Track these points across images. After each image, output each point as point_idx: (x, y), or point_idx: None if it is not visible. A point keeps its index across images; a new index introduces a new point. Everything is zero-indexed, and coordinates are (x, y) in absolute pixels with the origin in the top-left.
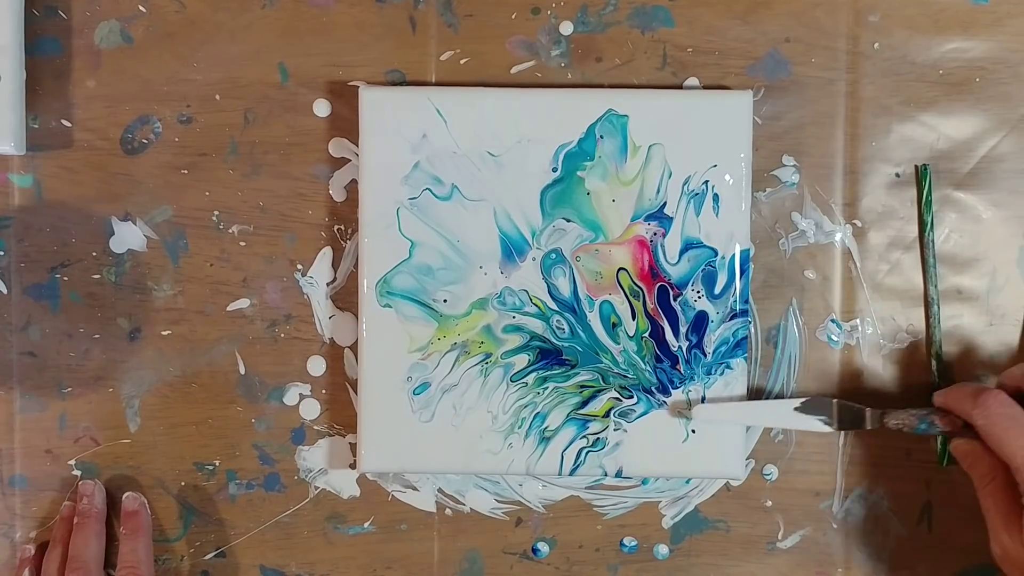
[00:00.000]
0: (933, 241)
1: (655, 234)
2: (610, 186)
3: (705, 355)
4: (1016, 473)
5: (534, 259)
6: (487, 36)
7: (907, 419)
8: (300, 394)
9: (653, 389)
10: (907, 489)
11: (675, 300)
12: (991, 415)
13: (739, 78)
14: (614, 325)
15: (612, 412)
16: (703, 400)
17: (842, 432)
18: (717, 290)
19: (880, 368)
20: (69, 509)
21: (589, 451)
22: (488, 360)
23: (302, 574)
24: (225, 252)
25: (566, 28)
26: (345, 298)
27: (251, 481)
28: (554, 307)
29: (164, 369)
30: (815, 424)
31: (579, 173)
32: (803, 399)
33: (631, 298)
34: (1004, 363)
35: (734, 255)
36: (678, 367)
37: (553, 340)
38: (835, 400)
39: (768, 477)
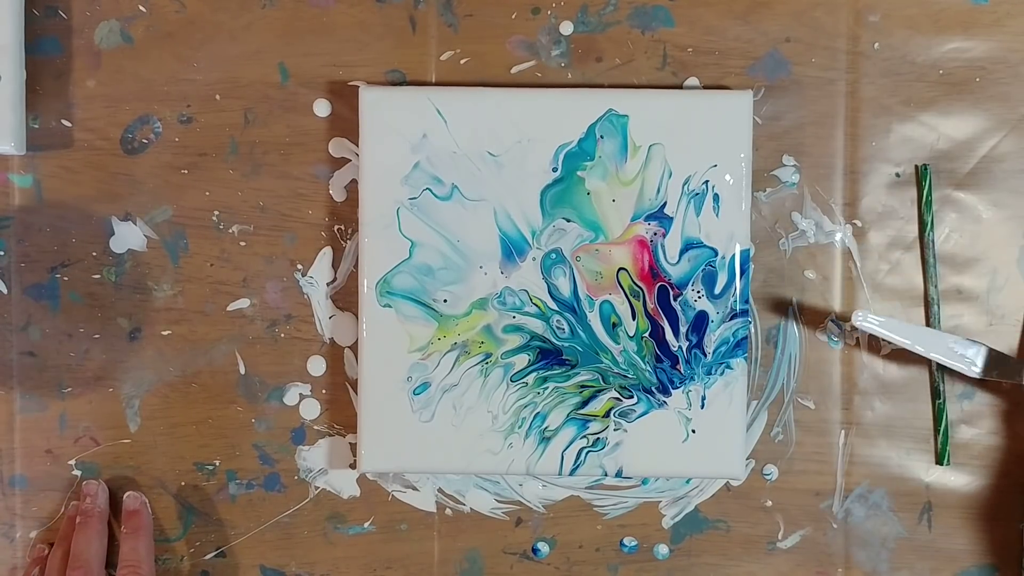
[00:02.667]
0: (933, 241)
1: (655, 234)
2: (610, 186)
3: (705, 355)
4: None
5: (534, 259)
6: (487, 36)
7: None
8: (300, 394)
9: (653, 389)
10: (907, 489)
11: (675, 300)
12: None
13: (739, 78)
14: (614, 325)
15: (612, 412)
16: (703, 401)
17: (843, 431)
18: (717, 290)
19: (880, 368)
20: (75, 509)
21: (589, 451)
22: (488, 360)
23: (302, 574)
24: (225, 252)
25: (566, 28)
26: (345, 298)
27: (251, 481)
28: (554, 307)
29: (164, 369)
30: (963, 366)
31: (579, 173)
32: (961, 340)
33: (631, 298)
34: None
35: (734, 255)
36: (678, 367)
37: (553, 340)
38: (989, 348)
39: (768, 477)
